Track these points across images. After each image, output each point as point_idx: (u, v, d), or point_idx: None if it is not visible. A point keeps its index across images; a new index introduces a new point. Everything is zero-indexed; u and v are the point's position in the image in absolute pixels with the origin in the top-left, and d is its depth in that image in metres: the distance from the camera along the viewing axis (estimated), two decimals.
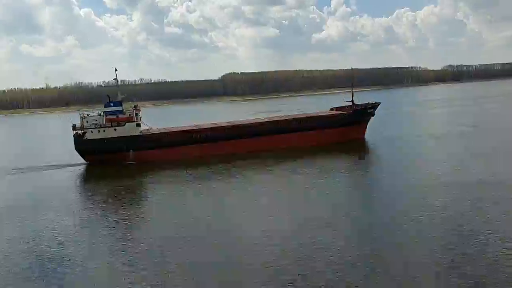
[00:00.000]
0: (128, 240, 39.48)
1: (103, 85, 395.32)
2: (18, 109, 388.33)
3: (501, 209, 40.52)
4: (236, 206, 49.26)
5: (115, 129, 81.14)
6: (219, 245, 36.75)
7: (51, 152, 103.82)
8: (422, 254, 32.35)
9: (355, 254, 32.96)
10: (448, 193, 47.19)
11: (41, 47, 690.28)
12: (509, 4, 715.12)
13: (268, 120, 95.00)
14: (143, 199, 58.44)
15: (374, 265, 30.89)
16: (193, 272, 32.07)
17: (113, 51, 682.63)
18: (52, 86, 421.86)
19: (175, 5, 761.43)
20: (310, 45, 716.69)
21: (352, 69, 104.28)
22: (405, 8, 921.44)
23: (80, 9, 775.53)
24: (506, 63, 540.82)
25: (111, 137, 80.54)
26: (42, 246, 39.09)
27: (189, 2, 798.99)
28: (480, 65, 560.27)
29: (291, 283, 29.04)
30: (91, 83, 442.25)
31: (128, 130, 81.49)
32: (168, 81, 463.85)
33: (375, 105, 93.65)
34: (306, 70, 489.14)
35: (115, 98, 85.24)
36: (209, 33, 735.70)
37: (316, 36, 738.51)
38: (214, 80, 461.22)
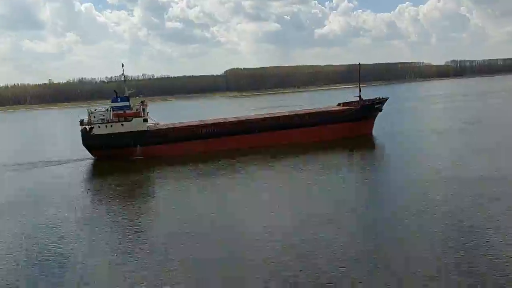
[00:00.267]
0: (131, 235, 39.75)
1: (106, 80, 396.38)
2: (20, 105, 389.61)
3: (502, 205, 40.66)
4: (239, 202, 49.56)
5: (122, 124, 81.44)
6: (222, 240, 37.06)
7: (58, 148, 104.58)
8: (423, 249, 32.57)
9: (357, 250, 33.23)
10: (450, 188, 47.39)
11: (42, 42, 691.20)
12: None
13: (279, 115, 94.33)
14: (148, 194, 58.77)
15: (376, 261, 31.13)
16: (196, 267, 32.35)
17: (114, 46, 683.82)
18: (55, 81, 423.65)
19: (176, 0, 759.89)
20: (313, 40, 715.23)
21: (359, 64, 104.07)
22: (407, 2, 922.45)
23: (81, 4, 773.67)
24: (509, 59, 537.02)
25: (119, 132, 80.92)
26: (44, 242, 39.35)
27: None
28: (483, 60, 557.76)
29: (293, 278, 29.31)
30: (94, 78, 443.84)
31: (135, 125, 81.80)
32: (171, 77, 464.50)
33: (382, 101, 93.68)
34: (307, 65, 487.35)
35: (122, 93, 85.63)
36: (211, 28, 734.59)
37: (318, 31, 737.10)
38: (217, 76, 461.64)
